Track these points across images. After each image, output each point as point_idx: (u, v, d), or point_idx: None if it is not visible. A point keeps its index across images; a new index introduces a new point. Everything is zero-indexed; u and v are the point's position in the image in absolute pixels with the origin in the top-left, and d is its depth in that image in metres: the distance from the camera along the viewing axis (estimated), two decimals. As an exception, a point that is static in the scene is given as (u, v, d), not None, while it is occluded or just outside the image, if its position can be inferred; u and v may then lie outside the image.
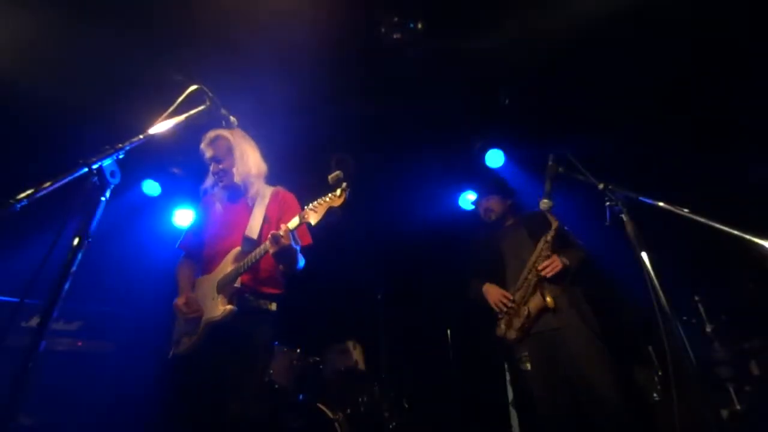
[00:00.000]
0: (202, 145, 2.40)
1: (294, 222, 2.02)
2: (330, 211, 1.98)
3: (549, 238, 2.59)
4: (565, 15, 3.25)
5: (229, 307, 2.06)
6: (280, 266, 2.19)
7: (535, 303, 2.50)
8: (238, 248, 2.19)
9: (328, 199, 1.97)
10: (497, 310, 2.58)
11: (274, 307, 2.23)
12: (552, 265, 2.49)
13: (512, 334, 2.50)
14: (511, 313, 2.56)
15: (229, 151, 2.37)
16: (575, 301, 2.51)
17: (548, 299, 2.47)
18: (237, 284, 2.12)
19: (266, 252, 2.04)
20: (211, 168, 2.38)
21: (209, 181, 2.47)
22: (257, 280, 2.20)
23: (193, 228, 2.54)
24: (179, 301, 2.19)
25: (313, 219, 1.98)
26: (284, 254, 2.03)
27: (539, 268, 2.53)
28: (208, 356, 2.04)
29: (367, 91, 3.98)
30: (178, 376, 2.14)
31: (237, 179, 2.35)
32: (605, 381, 2.24)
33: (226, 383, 1.96)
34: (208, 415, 1.93)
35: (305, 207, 2.03)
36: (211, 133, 2.36)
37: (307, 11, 3.18)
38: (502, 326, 2.56)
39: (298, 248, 2.12)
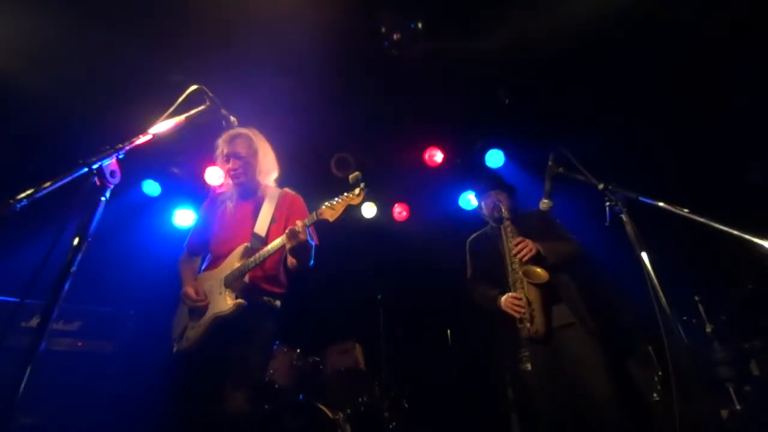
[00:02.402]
0: (221, 141, 2.40)
1: (311, 218, 2.07)
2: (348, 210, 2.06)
3: (506, 224, 2.62)
4: (565, 15, 3.25)
5: (239, 301, 2.08)
6: (293, 262, 2.21)
7: (531, 292, 2.44)
8: (246, 244, 2.21)
9: (346, 197, 2.04)
10: (517, 314, 2.46)
11: (278, 303, 2.27)
12: (526, 248, 2.46)
13: (541, 328, 2.37)
14: (523, 310, 2.48)
15: (251, 149, 2.40)
16: (574, 301, 2.50)
17: (539, 270, 2.42)
18: (246, 279, 2.15)
19: (279, 248, 2.08)
20: (230, 164, 2.38)
21: (219, 177, 2.48)
22: (263, 278, 2.22)
23: (198, 226, 2.55)
24: (188, 290, 2.19)
25: (331, 216, 2.04)
26: (300, 250, 2.07)
27: (515, 253, 2.51)
28: (212, 352, 2.06)
29: (367, 91, 3.98)
30: (181, 372, 2.14)
31: (257, 177, 2.41)
32: (604, 381, 2.24)
33: (227, 379, 1.97)
34: (210, 411, 1.94)
35: (322, 205, 2.08)
36: (233, 131, 2.36)
37: (307, 11, 3.18)
38: (527, 325, 2.41)
39: (313, 244, 2.17)
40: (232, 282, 2.14)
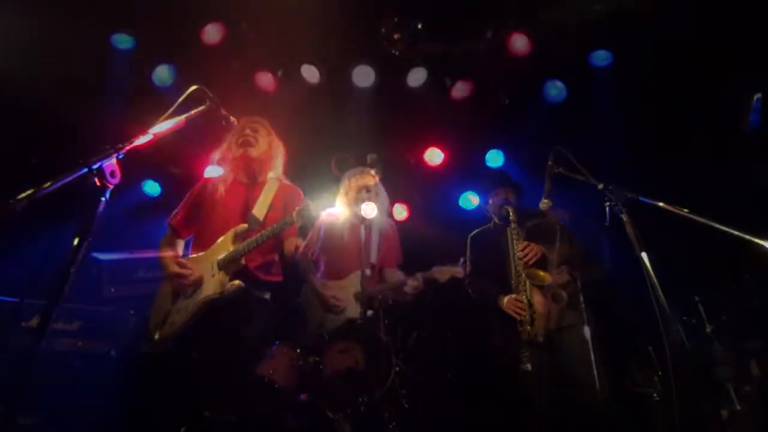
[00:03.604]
0: (242, 121, 2.33)
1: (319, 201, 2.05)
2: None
3: (513, 227, 2.63)
4: (565, 15, 3.25)
5: (235, 282, 2.00)
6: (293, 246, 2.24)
7: (533, 294, 2.46)
8: (244, 225, 2.13)
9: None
10: (518, 317, 2.47)
11: (268, 296, 2.26)
12: (532, 252, 2.49)
13: (540, 331, 2.40)
14: (525, 313, 2.50)
15: (270, 136, 2.42)
16: (576, 302, 2.51)
17: (542, 273, 2.44)
18: (243, 262, 2.07)
19: (282, 227, 2.03)
20: (246, 132, 2.33)
21: (221, 154, 2.43)
22: (257, 266, 2.17)
23: (187, 206, 2.41)
24: (174, 268, 2.09)
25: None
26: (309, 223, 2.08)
27: (520, 257, 2.53)
28: (199, 338, 1.98)
29: (366, 90, 3.98)
30: (169, 367, 2.04)
31: (265, 158, 2.37)
32: (604, 382, 2.24)
33: (217, 369, 1.94)
34: (204, 408, 1.91)
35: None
36: (257, 119, 2.43)
37: (307, 11, 3.19)
38: (527, 328, 2.43)
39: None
40: (226, 265, 2.04)
